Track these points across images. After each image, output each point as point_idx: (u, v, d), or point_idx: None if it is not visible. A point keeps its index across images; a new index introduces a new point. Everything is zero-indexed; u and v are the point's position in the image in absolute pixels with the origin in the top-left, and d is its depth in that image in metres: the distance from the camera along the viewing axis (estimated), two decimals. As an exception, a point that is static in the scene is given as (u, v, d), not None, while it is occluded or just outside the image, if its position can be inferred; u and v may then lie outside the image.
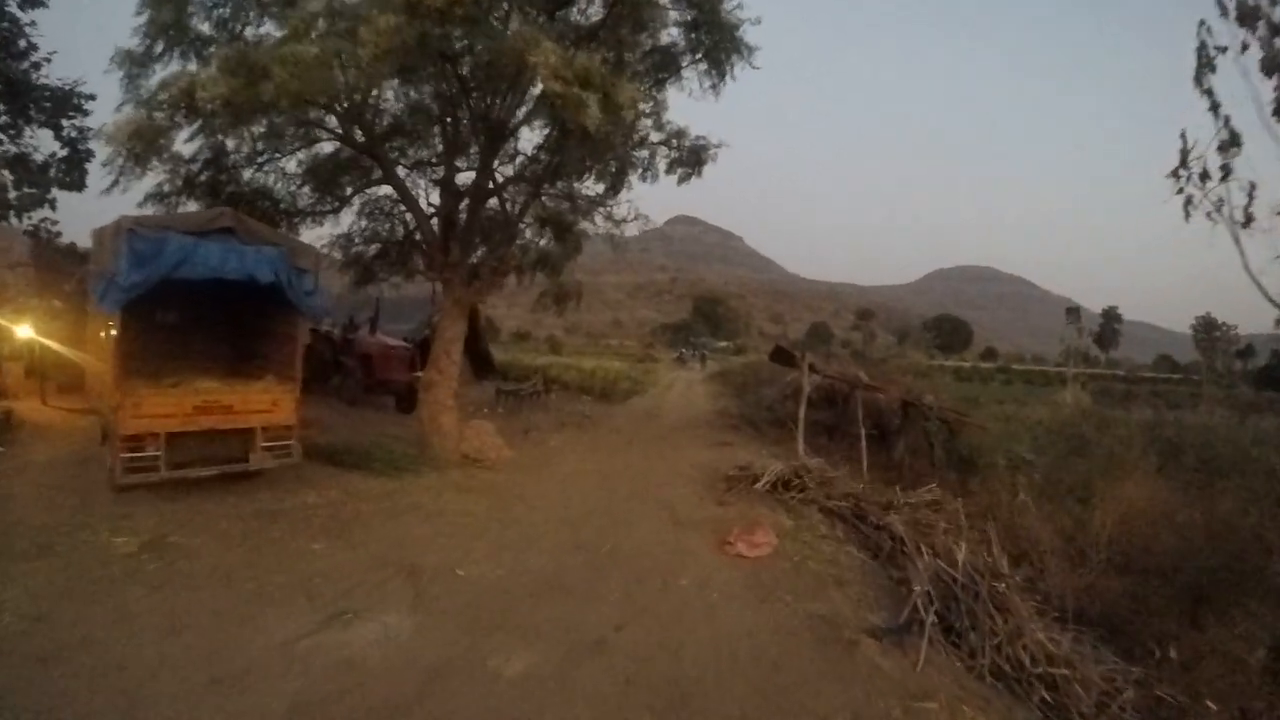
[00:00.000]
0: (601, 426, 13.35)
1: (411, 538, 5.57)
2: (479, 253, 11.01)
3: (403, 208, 11.23)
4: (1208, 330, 75.00)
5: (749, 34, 9.15)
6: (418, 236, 10.77)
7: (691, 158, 10.68)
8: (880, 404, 13.49)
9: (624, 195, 11.01)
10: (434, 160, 11.45)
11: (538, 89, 7.67)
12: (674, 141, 10.67)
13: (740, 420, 14.74)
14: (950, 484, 10.02)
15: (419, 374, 11.12)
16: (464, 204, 10.26)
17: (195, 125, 8.17)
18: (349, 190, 11.49)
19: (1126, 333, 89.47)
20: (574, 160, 9.49)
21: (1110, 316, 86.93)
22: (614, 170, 10.88)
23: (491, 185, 10.13)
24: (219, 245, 6.29)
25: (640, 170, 10.87)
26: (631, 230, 11.10)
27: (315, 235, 11.81)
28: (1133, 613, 7.32)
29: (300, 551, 5.17)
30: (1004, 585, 4.69)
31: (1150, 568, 8.20)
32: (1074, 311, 70.15)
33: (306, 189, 11.39)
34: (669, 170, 10.86)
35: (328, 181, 11.28)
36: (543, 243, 11.93)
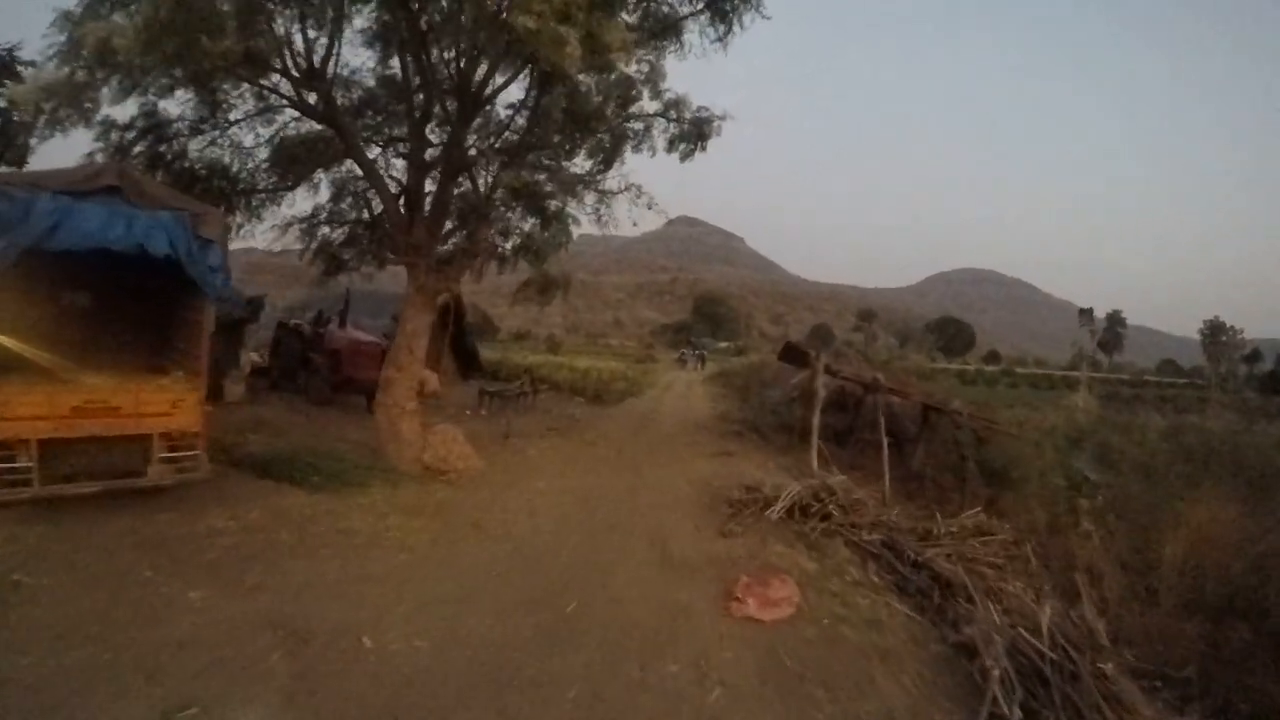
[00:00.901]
0: (590, 432, 12.10)
1: (322, 582, 4.28)
2: (455, 237, 9.85)
3: (365, 185, 10.04)
4: (1215, 334, 74.03)
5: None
6: (385, 220, 9.56)
7: (693, 131, 9.53)
8: (895, 408, 12.27)
9: (615, 170, 9.77)
10: (403, 138, 10.26)
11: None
12: (673, 112, 9.53)
13: (743, 425, 13.50)
14: (980, 500, 8.91)
15: None
16: (434, 181, 9.09)
17: (123, 84, 7.08)
18: (310, 166, 10.30)
19: (1128, 337, 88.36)
20: (557, 123, 8.28)
21: (1114, 320, 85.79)
22: (607, 145, 9.70)
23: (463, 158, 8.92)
24: (102, 209, 5.07)
25: (635, 142, 9.71)
26: (626, 214, 9.82)
27: (276, 216, 10.58)
28: (1214, 661, 6.18)
29: (169, 601, 3.92)
30: (1110, 665, 3.42)
31: (1226, 606, 7.04)
32: (1086, 314, 68.70)
33: (268, 166, 10.21)
34: (669, 147, 9.73)
35: (292, 158, 10.10)
36: (526, 228, 10.77)
